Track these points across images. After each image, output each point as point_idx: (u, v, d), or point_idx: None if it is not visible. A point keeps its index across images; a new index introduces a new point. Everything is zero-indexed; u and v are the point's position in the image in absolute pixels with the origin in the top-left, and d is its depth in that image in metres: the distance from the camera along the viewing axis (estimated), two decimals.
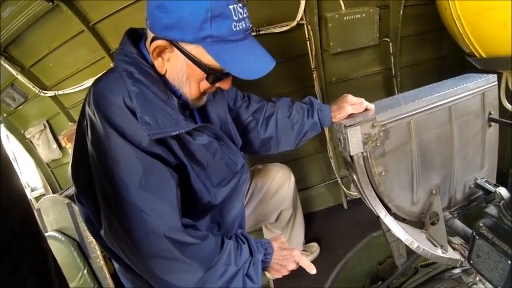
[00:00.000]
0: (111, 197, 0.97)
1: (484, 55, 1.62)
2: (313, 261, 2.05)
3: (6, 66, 2.35)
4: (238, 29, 0.93)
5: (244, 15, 0.95)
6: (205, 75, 1.01)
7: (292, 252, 1.16)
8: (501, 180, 1.38)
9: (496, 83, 1.34)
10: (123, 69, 0.99)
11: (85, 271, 1.96)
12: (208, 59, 0.95)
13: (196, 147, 1.09)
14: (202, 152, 1.12)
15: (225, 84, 1.08)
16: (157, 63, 1.02)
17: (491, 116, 1.37)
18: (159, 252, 0.97)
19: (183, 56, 0.97)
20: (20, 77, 2.41)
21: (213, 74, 1.00)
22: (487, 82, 1.32)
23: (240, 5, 0.93)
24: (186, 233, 1.00)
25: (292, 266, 1.16)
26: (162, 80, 1.04)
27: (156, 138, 0.96)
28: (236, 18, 0.92)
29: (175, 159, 1.05)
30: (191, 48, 0.95)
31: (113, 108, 0.95)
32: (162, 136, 0.96)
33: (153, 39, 0.97)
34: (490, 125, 1.39)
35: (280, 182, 1.74)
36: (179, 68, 1.01)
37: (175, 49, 0.97)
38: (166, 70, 1.03)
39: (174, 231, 0.98)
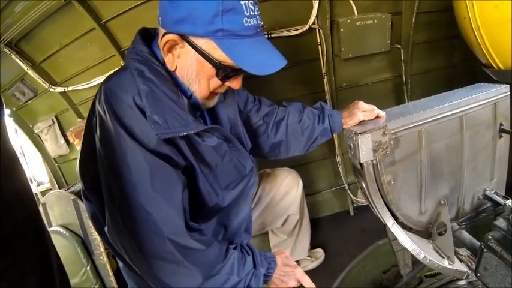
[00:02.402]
0: (116, 195, 0.97)
1: (501, 67, 1.60)
2: (318, 268, 2.07)
3: (17, 60, 2.37)
4: (249, 24, 0.93)
5: (256, 13, 0.95)
6: (215, 72, 1.00)
7: (295, 270, 1.16)
8: (511, 193, 1.37)
9: (509, 93, 1.33)
10: (135, 68, 0.99)
11: (88, 267, 1.97)
12: (218, 55, 0.94)
13: (205, 148, 1.09)
14: (211, 154, 1.11)
15: (235, 83, 1.06)
16: (168, 59, 1.02)
17: (502, 126, 1.35)
18: (161, 253, 0.96)
19: (193, 51, 0.96)
20: (31, 72, 2.44)
21: (223, 70, 0.98)
22: (499, 92, 1.31)
23: (252, 1, 0.93)
24: (190, 237, 0.99)
25: (293, 284, 1.15)
26: (172, 79, 1.04)
27: (165, 138, 0.95)
28: (247, 14, 0.92)
29: (184, 160, 1.05)
30: (202, 43, 0.94)
31: (123, 106, 0.95)
32: (170, 136, 0.96)
33: (164, 35, 0.97)
34: (500, 136, 1.37)
35: (289, 186, 1.74)
36: (189, 64, 1.00)
37: (186, 44, 0.96)
38: (176, 67, 1.03)
39: (178, 234, 0.97)
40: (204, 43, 0.94)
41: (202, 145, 1.07)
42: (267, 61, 0.97)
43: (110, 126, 0.95)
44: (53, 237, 1.88)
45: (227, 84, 1.06)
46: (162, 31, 0.99)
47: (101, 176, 1.01)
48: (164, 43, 0.98)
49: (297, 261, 2.03)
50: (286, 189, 1.73)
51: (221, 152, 1.14)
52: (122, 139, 0.94)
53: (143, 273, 1.02)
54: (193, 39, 0.95)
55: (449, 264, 1.27)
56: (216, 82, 1.03)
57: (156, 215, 0.95)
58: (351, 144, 1.21)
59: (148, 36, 1.08)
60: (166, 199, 0.97)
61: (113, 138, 0.95)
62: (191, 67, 1.00)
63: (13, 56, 2.34)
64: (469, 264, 1.32)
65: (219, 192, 1.18)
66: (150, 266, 0.98)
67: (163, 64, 1.05)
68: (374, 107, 1.30)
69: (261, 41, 0.99)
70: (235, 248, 1.09)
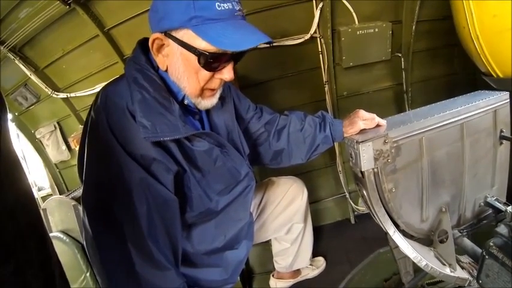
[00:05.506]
0: (91, 191, 1.02)
1: (501, 75, 1.60)
2: (319, 276, 2.06)
3: (21, 66, 2.39)
4: (222, 8, 0.94)
5: None
6: (197, 59, 1.00)
7: None
8: None
9: (508, 100, 1.34)
10: (130, 76, 1.02)
11: (88, 274, 1.96)
12: (199, 43, 0.96)
13: (197, 153, 1.10)
14: (204, 159, 1.12)
15: (226, 74, 1.05)
16: (159, 60, 1.05)
17: (502, 133, 1.36)
18: (115, 255, 0.98)
19: (177, 46, 0.98)
20: (34, 78, 2.46)
21: (204, 56, 0.98)
22: (499, 99, 1.32)
23: None
24: (150, 249, 0.99)
25: None
26: (165, 85, 1.07)
27: (152, 141, 0.98)
28: None
29: (176, 164, 1.06)
30: (181, 35, 0.96)
31: (117, 111, 0.99)
32: (157, 140, 0.98)
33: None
34: (501, 143, 1.38)
35: (293, 195, 1.74)
36: (175, 60, 1.02)
37: (170, 41, 0.99)
38: (167, 66, 1.06)
39: (137, 237, 0.98)
40: (184, 34, 0.96)
41: (194, 150, 1.09)
42: (245, 38, 0.97)
43: (101, 129, 0.98)
44: (53, 243, 1.87)
45: (217, 76, 1.06)
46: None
47: (84, 173, 1.03)
48: (152, 43, 1.02)
49: (298, 270, 2.03)
50: (291, 197, 1.73)
51: (213, 156, 1.15)
52: (110, 145, 0.97)
53: (95, 268, 1.04)
54: (174, 33, 0.97)
55: (451, 271, 1.27)
56: (204, 75, 1.03)
57: (118, 216, 0.97)
58: (352, 153, 1.22)
59: (147, 45, 1.10)
60: (132, 204, 0.98)
61: (101, 141, 0.99)
62: (177, 62, 1.02)
63: (16, 61, 2.37)
64: (471, 271, 1.32)
65: (213, 198, 1.18)
66: (102, 265, 0.99)
67: (157, 69, 1.08)
68: (375, 115, 1.31)
69: (240, 23, 0.99)
70: None
